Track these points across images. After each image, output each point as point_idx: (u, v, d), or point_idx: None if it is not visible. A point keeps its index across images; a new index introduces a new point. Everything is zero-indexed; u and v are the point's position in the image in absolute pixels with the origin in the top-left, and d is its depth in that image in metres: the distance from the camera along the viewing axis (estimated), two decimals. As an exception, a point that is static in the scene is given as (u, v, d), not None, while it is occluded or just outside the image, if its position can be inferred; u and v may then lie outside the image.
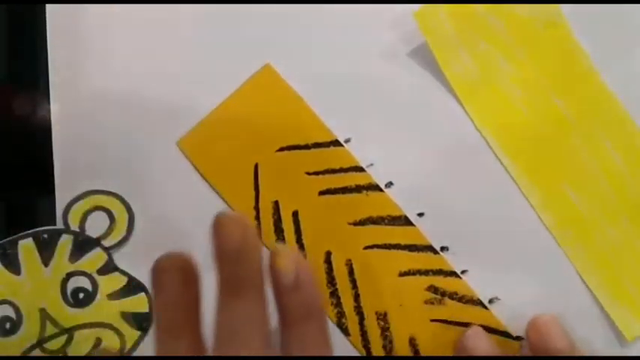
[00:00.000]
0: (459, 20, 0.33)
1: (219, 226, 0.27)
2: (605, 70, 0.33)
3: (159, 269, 0.27)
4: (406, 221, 0.34)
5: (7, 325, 0.33)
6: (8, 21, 0.34)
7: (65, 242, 0.33)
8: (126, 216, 0.33)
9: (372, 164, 0.34)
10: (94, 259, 0.33)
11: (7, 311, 0.33)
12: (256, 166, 0.34)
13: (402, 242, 0.34)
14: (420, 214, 0.34)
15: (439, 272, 0.33)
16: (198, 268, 0.27)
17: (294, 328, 0.27)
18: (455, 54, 0.33)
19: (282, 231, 0.34)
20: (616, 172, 0.33)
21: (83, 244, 0.33)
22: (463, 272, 0.34)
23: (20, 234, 0.33)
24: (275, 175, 0.34)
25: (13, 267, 0.33)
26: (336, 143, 0.34)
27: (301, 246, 0.34)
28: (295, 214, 0.34)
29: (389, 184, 0.34)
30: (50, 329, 0.33)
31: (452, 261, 0.34)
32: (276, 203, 0.34)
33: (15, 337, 0.32)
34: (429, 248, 0.34)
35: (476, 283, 0.34)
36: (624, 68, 0.33)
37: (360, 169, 0.34)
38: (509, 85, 0.33)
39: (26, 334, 0.33)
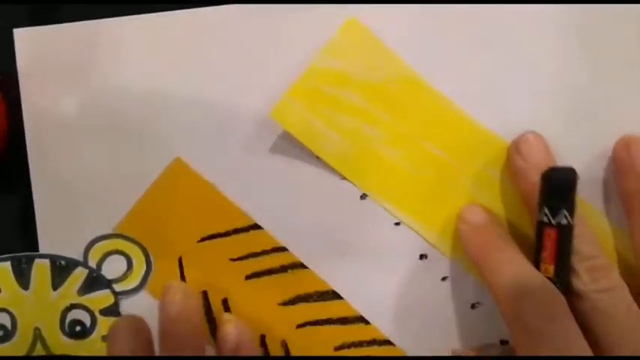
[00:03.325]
0: (314, 105, 0.32)
1: (163, 293, 0.30)
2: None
3: (114, 326, 0.31)
4: (334, 295, 0.34)
5: (1, 333, 0.34)
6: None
7: (79, 274, 0.34)
8: (144, 267, 0.34)
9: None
10: (101, 298, 0.34)
11: (4, 319, 0.34)
12: (180, 259, 0.34)
13: (334, 316, 0.34)
14: (397, 224, 0.33)
15: (373, 342, 0.34)
16: (148, 326, 0.31)
17: None
18: (322, 136, 0.33)
19: (213, 320, 0.34)
20: (509, 195, 0.33)
21: (95, 282, 0.34)
22: (444, 279, 0.33)
23: (39, 253, 0.34)
24: (200, 266, 0.34)
25: (23, 280, 0.34)
26: (255, 227, 0.34)
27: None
28: (225, 302, 0.34)
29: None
30: (39, 350, 0.34)
31: (431, 269, 0.33)
32: (205, 293, 0.34)
33: (3, 347, 0.34)
34: (360, 319, 0.34)
35: (456, 289, 0.34)
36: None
37: (283, 249, 0.34)
38: (383, 148, 0.33)
39: (15, 347, 0.34)
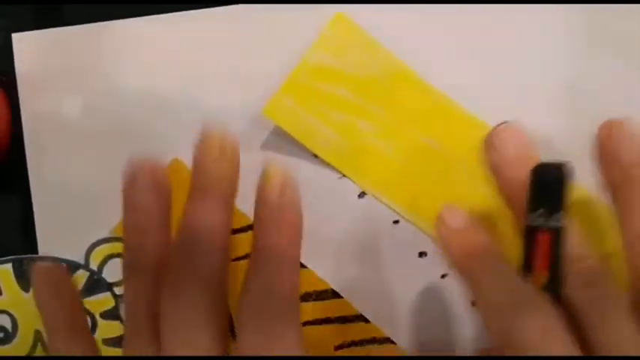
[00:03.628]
0: (306, 101, 0.33)
1: (202, 136, 0.28)
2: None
3: (130, 180, 0.28)
4: (333, 294, 0.34)
5: (1, 335, 0.34)
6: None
7: (80, 277, 0.34)
8: None
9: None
10: (101, 301, 0.34)
11: (5, 321, 0.34)
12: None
13: (332, 315, 0.34)
14: (396, 222, 0.33)
15: (373, 341, 0.33)
16: (168, 178, 0.29)
17: (263, 253, 0.28)
18: (315, 132, 0.33)
19: (213, 321, 0.34)
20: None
21: (96, 285, 0.34)
22: (443, 277, 0.33)
23: (40, 255, 0.34)
24: (199, 267, 0.34)
25: (24, 283, 0.34)
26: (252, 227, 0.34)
27: (234, 333, 0.34)
28: (224, 302, 0.34)
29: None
30: (40, 351, 0.34)
31: (431, 267, 0.33)
32: (204, 294, 0.34)
33: (4, 349, 0.34)
34: (360, 318, 0.33)
35: (456, 287, 0.33)
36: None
37: (281, 249, 0.34)
38: (376, 141, 0.33)
39: (16, 349, 0.34)
